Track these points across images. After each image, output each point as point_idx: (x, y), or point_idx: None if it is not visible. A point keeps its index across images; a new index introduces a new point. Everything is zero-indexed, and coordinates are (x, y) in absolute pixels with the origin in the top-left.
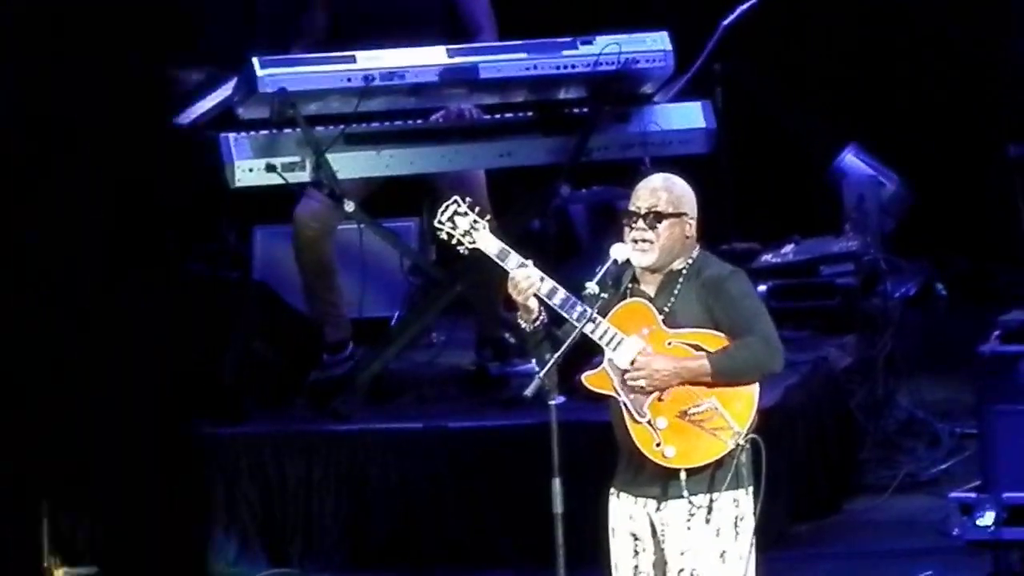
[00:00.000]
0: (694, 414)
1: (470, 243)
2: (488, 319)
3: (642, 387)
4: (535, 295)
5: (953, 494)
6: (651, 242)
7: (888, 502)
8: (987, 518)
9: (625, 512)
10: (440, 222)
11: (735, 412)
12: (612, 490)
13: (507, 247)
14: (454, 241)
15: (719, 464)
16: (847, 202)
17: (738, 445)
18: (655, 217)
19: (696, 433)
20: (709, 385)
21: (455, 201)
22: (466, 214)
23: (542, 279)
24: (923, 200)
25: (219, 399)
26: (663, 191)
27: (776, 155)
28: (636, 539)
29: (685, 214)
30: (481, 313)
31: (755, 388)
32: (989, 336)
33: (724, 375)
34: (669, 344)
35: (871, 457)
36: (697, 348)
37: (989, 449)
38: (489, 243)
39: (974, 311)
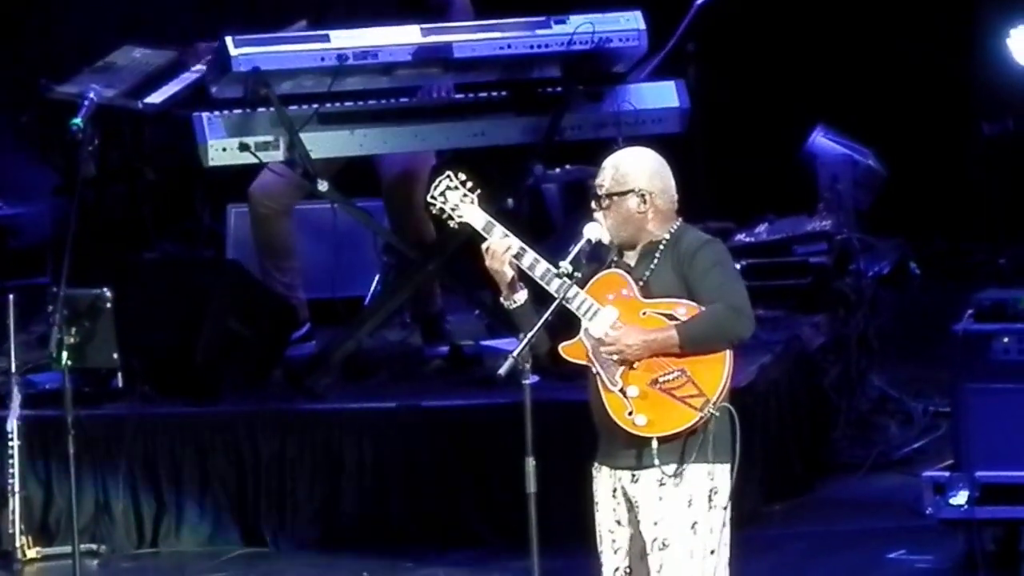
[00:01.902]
0: (664, 382)
1: (459, 217)
2: (423, 297)
3: (614, 360)
4: (518, 269)
5: (926, 473)
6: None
7: (861, 481)
8: (960, 497)
9: (606, 486)
10: (433, 196)
11: (705, 380)
12: (595, 464)
13: (493, 220)
14: (445, 216)
15: (691, 433)
16: (821, 182)
17: (709, 413)
18: (604, 197)
19: (667, 402)
20: (679, 355)
21: (447, 176)
22: (457, 188)
23: (523, 250)
24: (897, 179)
25: (193, 377)
26: (610, 169)
27: (750, 134)
28: (616, 512)
29: (632, 191)
30: (417, 292)
31: (726, 356)
32: (962, 315)
33: (692, 344)
34: (643, 314)
35: (844, 436)
36: (670, 318)
37: (962, 428)
38: (476, 216)
39: (947, 290)
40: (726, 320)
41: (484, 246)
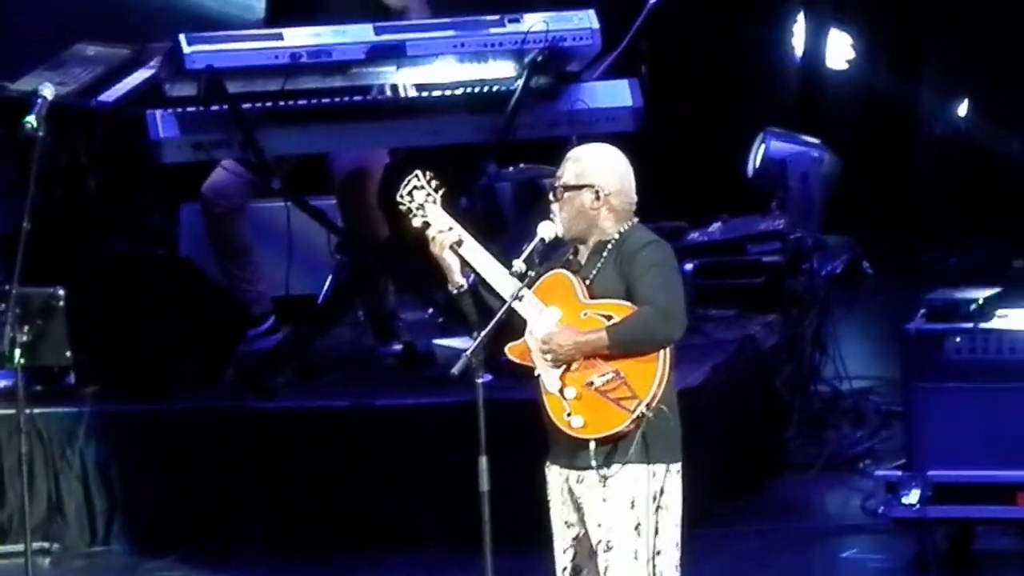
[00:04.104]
0: (599, 384)
1: (422, 216)
2: (376, 295)
3: (550, 361)
4: (461, 261)
5: (878, 472)
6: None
7: (813, 480)
8: (912, 496)
9: (556, 484)
10: (401, 195)
11: (638, 383)
12: (547, 462)
13: (453, 222)
14: (411, 215)
15: (627, 435)
16: (792, 185)
17: (642, 415)
18: (561, 189)
19: (601, 403)
20: (612, 356)
21: (416, 175)
22: (423, 188)
23: (462, 240)
24: (849, 179)
25: (145, 376)
26: (570, 162)
27: (702, 134)
28: (565, 511)
29: (590, 185)
30: (370, 291)
31: (660, 358)
32: (915, 314)
33: (621, 345)
34: (584, 315)
35: (796, 435)
36: (609, 318)
37: (914, 427)
38: (438, 217)
39: (900, 289)
40: (654, 323)
41: (430, 232)
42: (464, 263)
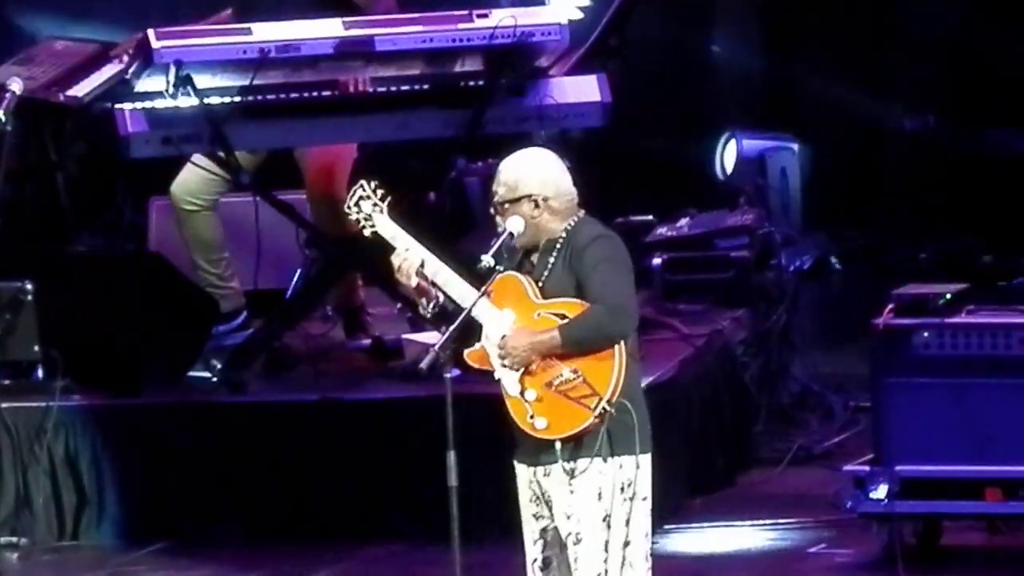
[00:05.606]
0: (559, 384)
1: (371, 226)
2: (345, 290)
3: (507, 365)
4: (425, 278)
5: (846, 467)
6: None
7: (782, 475)
8: (880, 491)
9: (523, 479)
10: (349, 206)
11: (597, 379)
12: (515, 459)
13: (400, 231)
14: (360, 225)
15: (592, 431)
16: (772, 180)
17: (604, 411)
18: (499, 206)
19: (563, 403)
20: (568, 355)
21: (361, 185)
22: (369, 197)
23: (424, 263)
24: (818, 174)
25: (114, 370)
26: (501, 180)
27: (671, 128)
28: (535, 506)
29: (527, 196)
30: (339, 285)
31: (616, 353)
32: (883, 309)
33: (574, 344)
34: (537, 315)
35: (765, 430)
36: (562, 317)
37: (882, 422)
38: (385, 226)
39: (868, 284)
40: (605, 320)
41: (393, 260)
42: (428, 281)
